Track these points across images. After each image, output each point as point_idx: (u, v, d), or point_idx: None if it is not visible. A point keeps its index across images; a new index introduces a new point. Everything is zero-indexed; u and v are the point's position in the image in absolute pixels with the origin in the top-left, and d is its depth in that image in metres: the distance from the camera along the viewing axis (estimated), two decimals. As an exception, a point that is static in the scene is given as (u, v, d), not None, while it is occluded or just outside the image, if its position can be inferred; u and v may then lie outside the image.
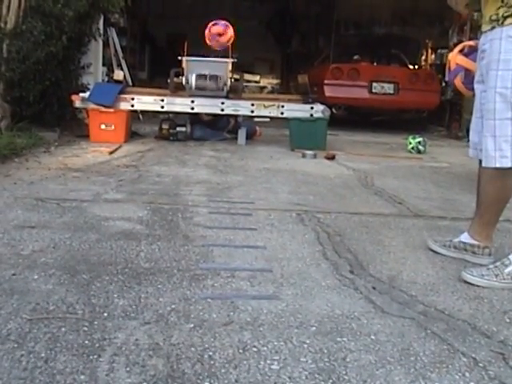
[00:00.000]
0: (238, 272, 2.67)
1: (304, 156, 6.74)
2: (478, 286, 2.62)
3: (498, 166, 2.67)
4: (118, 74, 8.43)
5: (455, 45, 11.29)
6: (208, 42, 7.84)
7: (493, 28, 2.58)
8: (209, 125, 8.08)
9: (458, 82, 2.99)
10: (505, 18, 2.50)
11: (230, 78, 7.90)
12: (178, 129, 7.75)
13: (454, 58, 2.97)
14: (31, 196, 3.93)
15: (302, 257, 2.95)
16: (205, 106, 7.58)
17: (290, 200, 4.30)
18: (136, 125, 8.31)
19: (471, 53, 2.88)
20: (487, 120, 2.69)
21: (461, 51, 2.98)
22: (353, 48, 12.38)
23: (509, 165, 2.62)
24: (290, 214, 3.82)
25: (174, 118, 8.09)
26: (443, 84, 11.61)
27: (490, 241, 2.96)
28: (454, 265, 2.91)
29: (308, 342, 2.00)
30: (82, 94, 7.35)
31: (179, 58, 7.82)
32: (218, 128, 8.13)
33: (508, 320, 2.30)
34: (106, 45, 9.39)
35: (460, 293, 2.56)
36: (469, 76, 2.89)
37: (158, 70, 13.04)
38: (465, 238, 3.01)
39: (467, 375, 1.84)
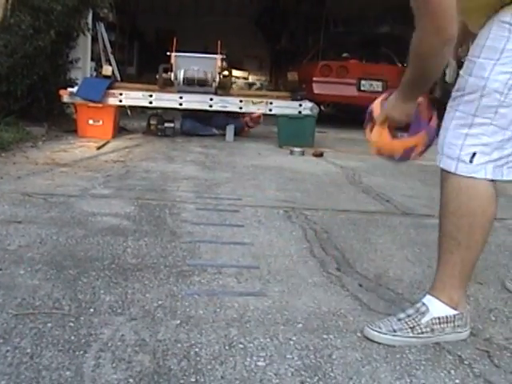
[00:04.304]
0: (225, 268, 2.67)
1: (292, 153, 6.75)
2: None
3: (440, 165, 2.23)
4: (107, 69, 8.39)
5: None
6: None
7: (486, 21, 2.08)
8: (202, 119, 8.07)
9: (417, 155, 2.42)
10: (501, 7, 2.01)
11: (219, 74, 7.90)
12: (166, 124, 7.74)
13: (394, 145, 2.40)
14: (18, 191, 3.92)
15: (289, 254, 2.95)
16: (193, 101, 7.57)
17: (278, 197, 4.30)
18: (124, 120, 8.29)
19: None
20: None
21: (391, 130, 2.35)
22: (342, 46, 12.39)
23: (451, 169, 2.14)
24: (277, 211, 3.82)
25: (163, 113, 8.08)
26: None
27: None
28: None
29: (294, 338, 2.01)
30: (70, 89, 7.31)
31: (168, 53, 7.82)
32: (212, 125, 8.12)
33: (493, 318, 2.32)
34: (94, 40, 9.37)
35: (446, 291, 2.57)
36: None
37: (147, 66, 13.03)
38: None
39: (452, 373, 1.85)
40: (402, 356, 1.93)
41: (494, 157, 2.04)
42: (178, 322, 2.08)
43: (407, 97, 2.18)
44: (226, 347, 1.91)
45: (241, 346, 1.93)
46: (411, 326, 2.07)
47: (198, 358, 1.82)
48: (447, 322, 2.09)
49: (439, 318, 2.08)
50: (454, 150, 2.10)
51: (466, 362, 1.92)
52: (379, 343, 2.03)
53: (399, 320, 2.10)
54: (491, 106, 2.02)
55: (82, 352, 1.81)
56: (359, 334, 2.08)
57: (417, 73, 2.10)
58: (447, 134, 2.13)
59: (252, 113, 8.10)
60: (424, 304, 2.12)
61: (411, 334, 2.06)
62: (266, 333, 2.03)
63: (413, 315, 2.10)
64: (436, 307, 2.10)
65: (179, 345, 1.90)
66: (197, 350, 1.88)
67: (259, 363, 1.82)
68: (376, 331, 2.08)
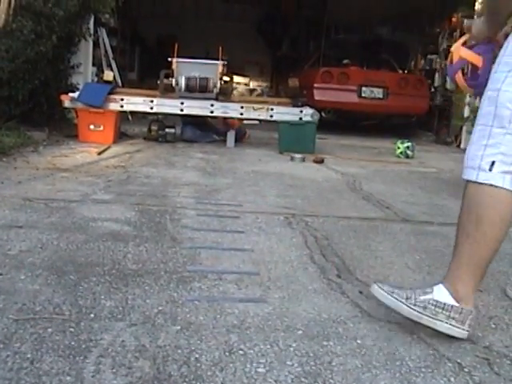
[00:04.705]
0: (226, 275, 2.67)
1: (293, 159, 6.75)
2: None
3: (464, 177, 2.27)
4: (108, 75, 8.41)
5: (444, 50, 11.42)
6: None
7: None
8: (203, 125, 8.07)
9: (459, 77, 2.67)
10: None
11: (220, 80, 7.91)
12: (167, 130, 7.74)
13: (458, 50, 2.65)
14: (19, 196, 3.92)
15: (290, 260, 2.96)
16: (194, 107, 7.58)
17: (278, 203, 4.31)
18: (125, 126, 8.29)
19: (476, 45, 2.57)
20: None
21: (464, 44, 2.65)
22: (343, 52, 12.41)
23: (472, 177, 2.20)
24: (277, 218, 3.82)
25: (163, 119, 8.09)
26: (432, 89, 11.67)
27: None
28: (441, 270, 2.92)
29: (294, 345, 2.01)
30: (71, 94, 7.32)
31: (169, 59, 7.83)
32: (213, 131, 8.13)
33: (493, 326, 2.32)
34: (96, 45, 9.37)
35: (446, 298, 2.57)
36: (474, 71, 2.59)
37: (148, 71, 13.03)
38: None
39: (452, 380, 1.85)
40: (402, 363, 1.93)
41: None
42: (179, 327, 2.08)
43: (485, 20, 2.49)
44: (226, 353, 1.91)
45: (241, 352, 1.93)
46: (408, 296, 2.19)
47: (199, 364, 1.82)
48: (442, 309, 2.15)
49: (436, 301, 2.16)
50: (475, 161, 2.19)
51: (465, 370, 1.92)
52: (380, 303, 2.24)
53: (403, 290, 2.24)
54: (505, 115, 2.14)
55: (82, 357, 1.81)
56: (359, 341, 2.08)
57: (489, 5, 2.49)
58: (471, 148, 2.24)
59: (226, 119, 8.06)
60: (431, 287, 2.22)
61: (404, 301, 2.18)
62: (266, 339, 2.03)
63: (416, 291, 2.22)
64: (439, 292, 2.18)
65: (179, 351, 1.90)
66: (197, 356, 1.88)
67: (259, 370, 1.82)
68: (378, 287, 2.27)
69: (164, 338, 1.98)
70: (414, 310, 2.17)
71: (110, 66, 9.87)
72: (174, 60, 7.79)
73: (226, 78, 8.25)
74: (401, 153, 7.83)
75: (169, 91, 7.82)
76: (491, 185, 2.14)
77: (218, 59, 7.93)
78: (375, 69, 11.65)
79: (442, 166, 7.17)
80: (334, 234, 3.52)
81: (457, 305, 2.14)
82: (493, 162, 2.16)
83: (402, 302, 2.19)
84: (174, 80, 7.72)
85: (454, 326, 2.14)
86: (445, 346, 2.08)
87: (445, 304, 2.15)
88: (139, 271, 2.63)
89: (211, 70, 7.79)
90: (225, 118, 7.93)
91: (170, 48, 8.13)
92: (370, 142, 9.63)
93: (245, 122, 8.70)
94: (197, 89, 7.63)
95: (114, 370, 1.75)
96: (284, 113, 7.64)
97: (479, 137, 2.21)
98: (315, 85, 10.67)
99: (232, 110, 7.64)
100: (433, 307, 2.16)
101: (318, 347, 2.01)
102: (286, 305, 2.37)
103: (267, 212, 3.97)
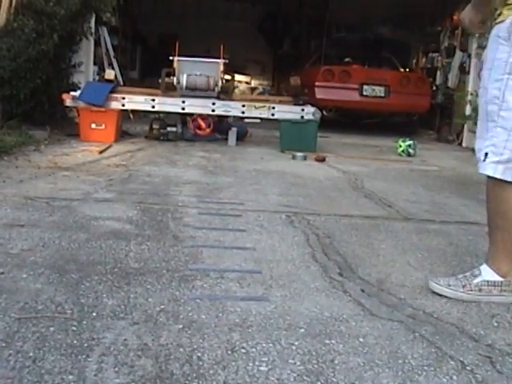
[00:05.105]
0: (227, 273, 2.67)
1: (294, 158, 6.75)
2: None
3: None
4: (109, 74, 8.41)
5: (446, 48, 11.41)
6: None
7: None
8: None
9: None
10: (499, 15, 2.43)
11: (222, 79, 7.90)
12: (169, 129, 7.74)
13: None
14: (20, 195, 3.92)
15: (292, 259, 2.95)
16: (196, 106, 7.58)
17: (280, 202, 4.30)
18: (126, 124, 8.29)
19: None
20: None
21: None
22: (344, 50, 12.40)
23: (479, 170, 2.51)
24: (279, 216, 3.82)
25: (165, 117, 8.08)
26: (434, 87, 11.65)
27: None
28: (443, 268, 2.92)
29: (296, 343, 2.00)
30: (72, 93, 7.33)
31: (170, 57, 7.82)
32: (218, 131, 8.11)
33: (496, 324, 2.32)
34: (97, 44, 9.38)
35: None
36: None
37: (150, 70, 13.01)
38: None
39: (455, 378, 1.84)
40: (404, 361, 1.93)
41: (503, 158, 2.41)
42: (181, 326, 2.08)
43: (472, 8, 2.64)
44: (229, 352, 1.91)
45: (243, 350, 1.93)
46: (463, 284, 2.53)
47: (201, 363, 1.82)
48: (494, 286, 2.51)
49: (488, 282, 2.51)
50: (478, 153, 2.52)
51: (468, 368, 1.92)
52: (439, 295, 2.54)
53: (457, 278, 2.57)
54: (494, 110, 2.43)
55: (84, 356, 1.81)
56: (361, 339, 2.08)
57: None
58: (476, 142, 2.59)
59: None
60: (479, 269, 2.56)
61: (461, 290, 2.52)
62: (269, 338, 2.03)
63: (468, 276, 2.56)
64: (487, 273, 2.53)
65: (181, 349, 1.90)
66: (199, 354, 1.88)
67: (261, 368, 1.82)
68: (435, 283, 2.58)
69: (166, 337, 1.98)
70: (472, 294, 2.51)
71: (111, 65, 9.88)
72: (176, 58, 7.79)
73: (228, 77, 8.23)
74: (402, 151, 7.82)
75: (170, 90, 7.82)
76: (495, 178, 2.43)
77: (219, 58, 7.92)
78: (377, 67, 11.64)
79: (443, 164, 7.16)
80: (335, 232, 3.52)
81: (503, 279, 2.50)
82: (486, 154, 2.45)
83: (461, 292, 2.52)
84: (175, 78, 7.72)
85: (506, 296, 2.51)
86: (447, 344, 2.08)
87: (494, 282, 2.51)
88: (141, 270, 2.63)
89: (212, 68, 7.79)
90: (193, 120, 7.87)
91: (171, 46, 8.13)
92: (372, 140, 9.63)
93: (246, 120, 8.69)
94: (198, 87, 7.62)
95: (116, 369, 1.75)
96: (285, 111, 7.64)
97: (479, 131, 2.54)
98: (317, 83, 10.65)
99: (233, 109, 7.64)
100: (486, 287, 2.51)
101: (320, 345, 2.00)
102: (288, 303, 2.37)
103: (269, 210, 3.97)
